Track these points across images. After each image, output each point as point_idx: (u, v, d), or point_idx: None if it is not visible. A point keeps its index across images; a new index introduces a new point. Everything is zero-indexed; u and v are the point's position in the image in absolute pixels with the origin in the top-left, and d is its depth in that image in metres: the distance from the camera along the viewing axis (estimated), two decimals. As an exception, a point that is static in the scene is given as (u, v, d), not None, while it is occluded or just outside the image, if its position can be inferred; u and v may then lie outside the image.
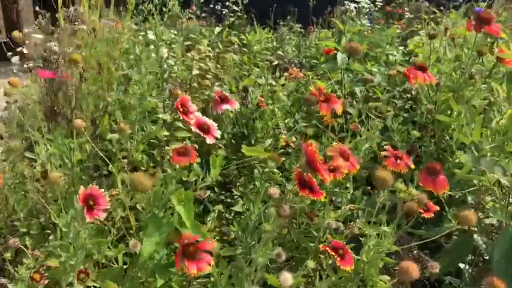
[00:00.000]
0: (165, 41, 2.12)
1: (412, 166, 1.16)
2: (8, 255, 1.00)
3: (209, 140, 1.07)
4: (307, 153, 1.06)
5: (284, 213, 0.97)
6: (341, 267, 0.99)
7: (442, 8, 3.31)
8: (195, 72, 2.06)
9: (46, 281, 0.96)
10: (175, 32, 2.45)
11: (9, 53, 1.62)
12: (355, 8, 3.06)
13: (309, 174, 1.07)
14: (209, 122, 1.11)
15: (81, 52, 1.69)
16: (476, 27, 1.36)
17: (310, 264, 1.01)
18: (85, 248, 1.02)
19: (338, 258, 0.99)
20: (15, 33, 1.39)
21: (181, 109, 1.07)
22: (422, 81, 1.30)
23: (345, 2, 3.28)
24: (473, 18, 1.39)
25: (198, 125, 1.09)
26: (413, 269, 0.90)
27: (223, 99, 1.24)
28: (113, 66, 1.82)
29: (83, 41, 1.68)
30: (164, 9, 2.82)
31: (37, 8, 1.76)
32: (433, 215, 1.13)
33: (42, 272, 0.96)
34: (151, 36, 2.01)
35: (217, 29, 2.98)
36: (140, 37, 2.16)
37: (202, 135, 1.06)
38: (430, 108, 1.47)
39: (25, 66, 1.51)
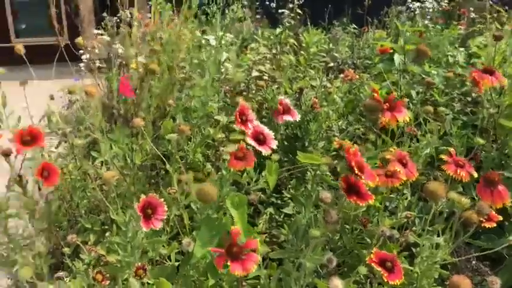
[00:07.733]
0: (225, 44, 2.08)
1: (475, 175, 1.03)
2: (66, 249, 0.99)
3: (265, 152, 0.99)
4: (347, 158, 0.96)
5: (331, 220, 0.89)
6: (389, 283, 0.88)
7: (506, 7, 3.01)
8: (255, 73, 1.99)
9: (107, 282, 0.93)
10: (234, 35, 2.40)
11: (80, 51, 1.64)
12: (418, 7, 2.85)
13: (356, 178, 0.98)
14: (266, 131, 1.02)
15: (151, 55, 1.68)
16: None
17: (362, 270, 0.92)
18: (141, 247, 1.00)
19: (385, 274, 0.88)
20: (79, 40, 1.41)
21: (239, 119, 1.00)
22: (489, 85, 1.16)
23: (408, 1, 3.06)
24: None
25: (254, 136, 1.01)
26: (465, 285, 0.79)
27: (286, 110, 1.15)
28: (176, 69, 1.81)
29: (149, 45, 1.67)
30: (227, 11, 2.79)
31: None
32: (495, 224, 0.99)
33: (101, 269, 0.94)
34: (212, 42, 1.98)
35: (278, 30, 2.90)
36: (203, 41, 2.12)
37: (257, 147, 0.98)
38: (493, 112, 1.32)
39: (90, 66, 1.52)
